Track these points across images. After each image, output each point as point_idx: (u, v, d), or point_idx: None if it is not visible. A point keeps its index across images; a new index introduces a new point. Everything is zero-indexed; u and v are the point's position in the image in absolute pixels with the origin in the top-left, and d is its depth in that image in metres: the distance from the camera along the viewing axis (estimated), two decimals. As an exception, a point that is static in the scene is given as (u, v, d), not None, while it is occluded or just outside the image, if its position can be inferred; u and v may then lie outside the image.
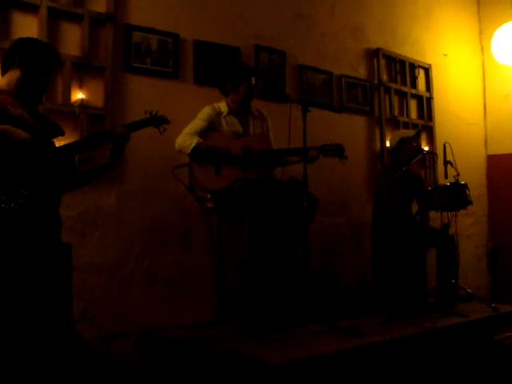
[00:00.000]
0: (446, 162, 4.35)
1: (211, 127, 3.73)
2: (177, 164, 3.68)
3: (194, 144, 3.59)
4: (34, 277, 2.26)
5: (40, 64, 2.57)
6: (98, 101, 3.76)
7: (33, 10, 3.53)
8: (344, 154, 3.71)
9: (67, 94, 3.62)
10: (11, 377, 2.17)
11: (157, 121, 2.90)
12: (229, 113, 3.81)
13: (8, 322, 2.21)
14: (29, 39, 2.65)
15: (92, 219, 3.66)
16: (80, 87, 3.71)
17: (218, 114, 3.78)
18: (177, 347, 3.41)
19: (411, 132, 4.76)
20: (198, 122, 3.71)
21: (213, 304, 3.88)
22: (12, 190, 2.23)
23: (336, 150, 3.71)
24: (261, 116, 3.97)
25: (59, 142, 2.65)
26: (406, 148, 4.60)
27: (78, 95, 3.67)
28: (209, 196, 3.68)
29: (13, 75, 2.53)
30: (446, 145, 4.38)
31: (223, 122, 3.78)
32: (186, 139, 3.62)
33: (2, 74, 2.58)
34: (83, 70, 3.72)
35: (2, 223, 2.19)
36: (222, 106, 3.82)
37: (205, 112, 3.75)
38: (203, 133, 3.68)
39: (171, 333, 3.57)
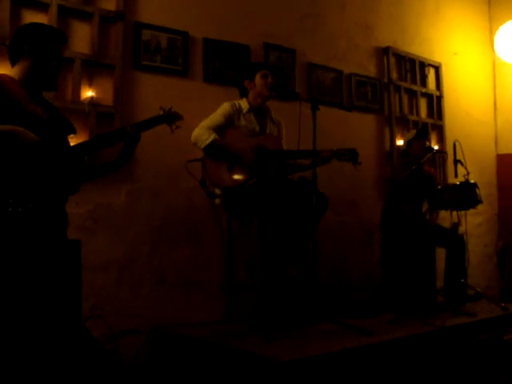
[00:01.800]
0: (456, 161, 4.32)
1: (229, 123, 3.73)
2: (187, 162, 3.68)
3: (209, 140, 3.57)
4: (40, 275, 2.24)
5: (50, 48, 2.48)
6: (108, 99, 3.77)
7: (43, 8, 3.54)
8: (358, 159, 3.72)
9: (77, 92, 3.63)
10: (21, 373, 2.18)
11: (170, 118, 2.80)
12: (249, 110, 3.81)
13: (17, 320, 2.21)
14: (33, 25, 2.56)
15: (102, 217, 3.66)
16: (90, 85, 3.72)
17: (238, 110, 3.78)
18: (186, 345, 3.42)
19: (413, 132, 4.87)
20: (218, 117, 3.70)
21: (222, 302, 3.89)
22: (20, 194, 2.20)
23: (350, 155, 3.73)
24: (278, 123, 3.99)
25: (70, 141, 2.63)
26: (413, 148, 4.73)
27: (88, 93, 3.68)
28: (219, 192, 3.66)
29: (23, 65, 2.45)
30: (456, 143, 4.36)
31: (242, 119, 3.79)
32: (203, 133, 3.59)
33: (12, 66, 2.49)
34: (93, 68, 3.73)
35: (8, 226, 2.18)
36: (243, 103, 3.82)
37: (224, 107, 3.74)
38: (220, 129, 3.66)
39: (180, 330, 3.57)
